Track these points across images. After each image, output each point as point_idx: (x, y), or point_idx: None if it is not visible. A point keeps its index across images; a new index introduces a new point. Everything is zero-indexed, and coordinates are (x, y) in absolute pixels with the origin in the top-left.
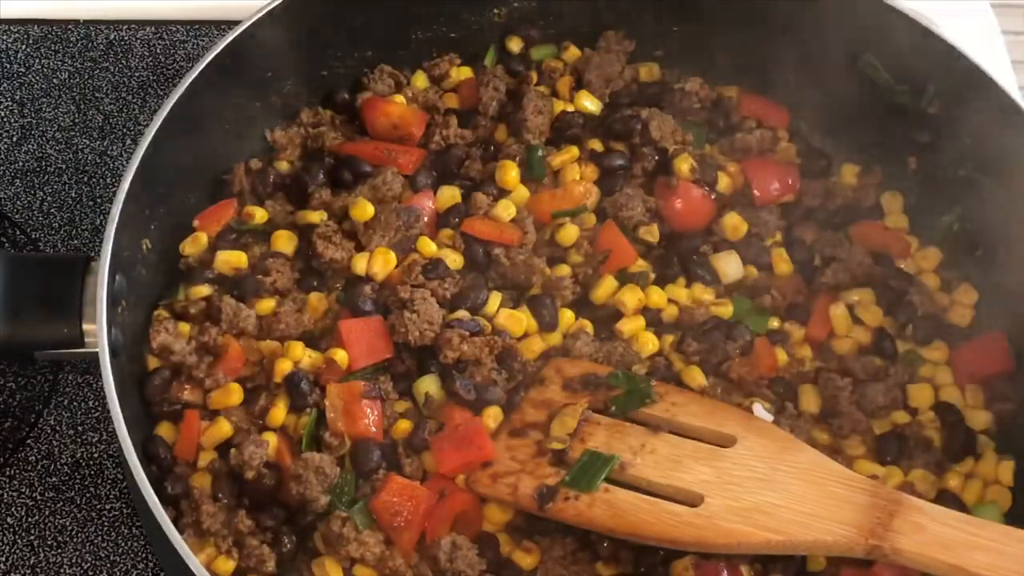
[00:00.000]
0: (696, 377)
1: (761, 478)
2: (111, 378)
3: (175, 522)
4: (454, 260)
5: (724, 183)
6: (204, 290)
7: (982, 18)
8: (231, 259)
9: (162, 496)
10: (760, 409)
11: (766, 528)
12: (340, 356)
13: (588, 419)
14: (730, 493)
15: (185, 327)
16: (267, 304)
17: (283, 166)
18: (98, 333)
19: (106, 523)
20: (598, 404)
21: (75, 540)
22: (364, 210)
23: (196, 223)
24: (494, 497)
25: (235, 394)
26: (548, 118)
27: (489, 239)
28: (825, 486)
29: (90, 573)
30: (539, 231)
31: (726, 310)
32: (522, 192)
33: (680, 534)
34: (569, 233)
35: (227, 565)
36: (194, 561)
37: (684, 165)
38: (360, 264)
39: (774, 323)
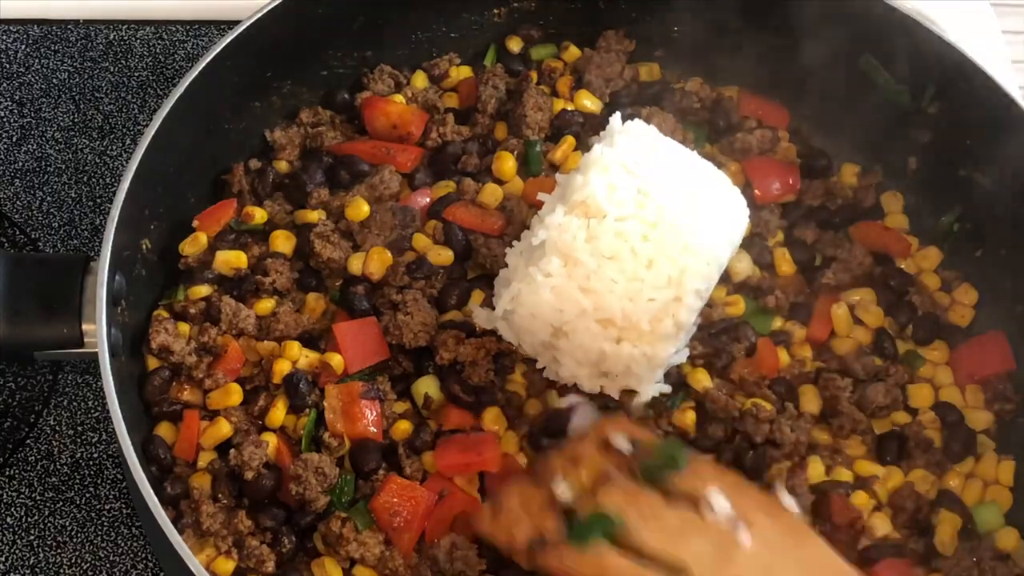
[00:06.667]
0: (702, 379)
1: (763, 566)
2: (111, 378)
3: (175, 522)
4: (440, 255)
5: None
6: (203, 290)
7: (982, 18)
8: (230, 259)
9: (162, 496)
10: (788, 499)
11: None
12: (336, 361)
13: (610, 477)
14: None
15: (184, 327)
16: (266, 304)
17: (282, 166)
18: (98, 333)
19: (106, 523)
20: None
21: (75, 540)
22: (359, 209)
23: (196, 223)
24: (489, 539)
25: (234, 394)
26: (548, 115)
27: (470, 227)
28: (807, 556)
29: (90, 573)
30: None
31: (738, 308)
32: (517, 184)
33: None
34: None
35: (227, 565)
36: (194, 561)
37: None
38: (355, 264)
39: (777, 323)
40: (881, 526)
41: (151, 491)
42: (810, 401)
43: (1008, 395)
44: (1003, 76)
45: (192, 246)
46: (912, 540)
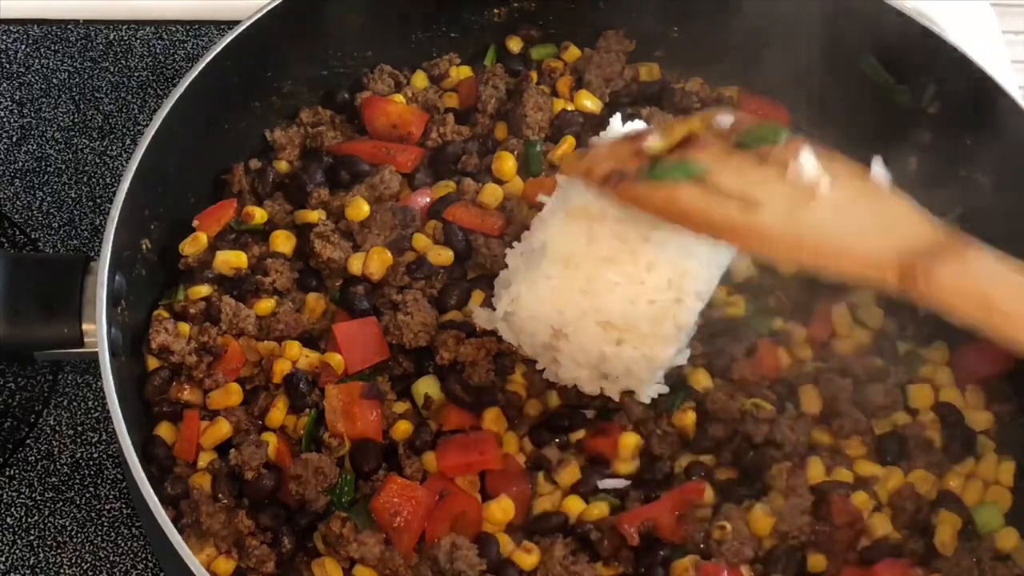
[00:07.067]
0: (702, 380)
1: (835, 208)
2: (111, 378)
3: (175, 522)
4: (440, 255)
5: None
6: (204, 290)
7: (982, 18)
8: (231, 259)
9: (162, 496)
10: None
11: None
12: (336, 360)
13: (702, 140)
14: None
15: (185, 327)
16: (266, 304)
17: (282, 166)
18: (98, 333)
19: (106, 523)
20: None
21: (75, 540)
22: (359, 209)
23: (196, 223)
24: (568, 172)
25: (235, 394)
26: (548, 115)
27: (470, 227)
28: (881, 207)
29: (90, 573)
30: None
31: (738, 308)
32: (517, 184)
33: (722, 220)
34: None
35: (227, 565)
36: (194, 561)
37: None
38: (355, 264)
39: (777, 323)
40: (881, 526)
41: (151, 491)
42: (810, 401)
43: (1008, 395)
44: (1003, 76)
45: (192, 246)
46: (912, 540)
